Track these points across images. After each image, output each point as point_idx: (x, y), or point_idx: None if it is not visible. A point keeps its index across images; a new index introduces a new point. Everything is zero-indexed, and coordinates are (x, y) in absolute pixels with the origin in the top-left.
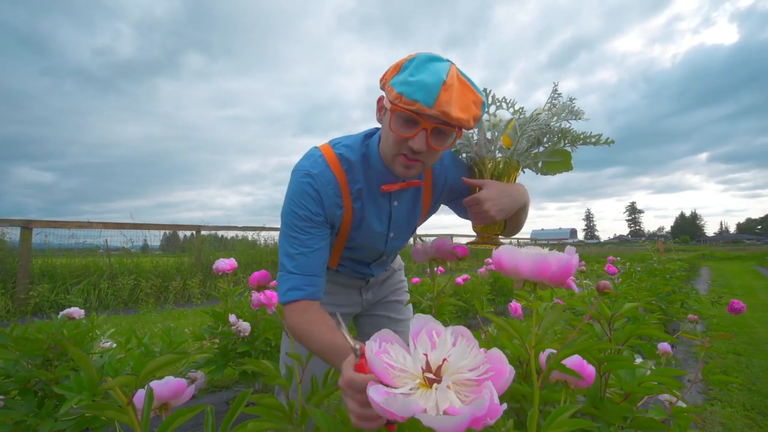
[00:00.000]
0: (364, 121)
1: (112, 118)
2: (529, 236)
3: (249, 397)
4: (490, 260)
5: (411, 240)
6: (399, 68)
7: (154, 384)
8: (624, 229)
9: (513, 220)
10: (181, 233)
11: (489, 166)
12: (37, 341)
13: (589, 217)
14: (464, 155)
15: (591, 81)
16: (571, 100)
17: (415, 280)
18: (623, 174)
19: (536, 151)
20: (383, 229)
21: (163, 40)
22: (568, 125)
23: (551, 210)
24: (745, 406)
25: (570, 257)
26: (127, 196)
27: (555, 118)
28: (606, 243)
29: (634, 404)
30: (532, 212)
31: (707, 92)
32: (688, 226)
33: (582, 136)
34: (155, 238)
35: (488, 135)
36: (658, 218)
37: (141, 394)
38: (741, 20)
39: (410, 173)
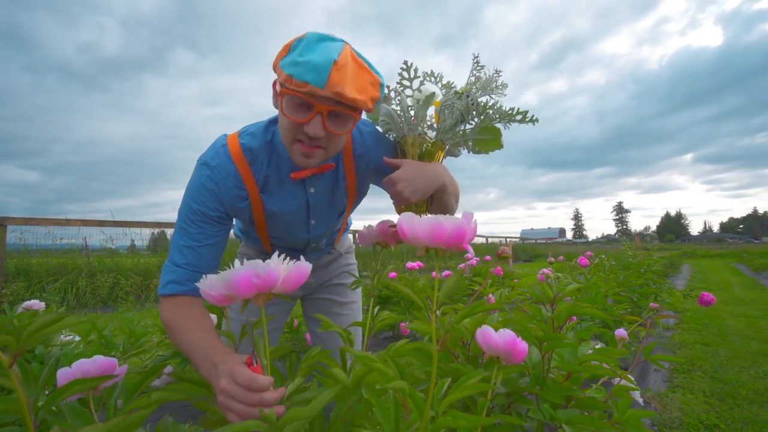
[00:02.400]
0: None
1: (97, 115)
2: (518, 236)
3: (180, 374)
4: (469, 255)
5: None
6: (288, 49)
7: (81, 362)
8: (612, 229)
9: (438, 203)
10: (169, 232)
11: (411, 144)
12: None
13: (577, 217)
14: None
15: (580, 82)
16: (497, 72)
17: (392, 274)
18: (611, 174)
19: (464, 128)
20: (302, 218)
21: (151, 36)
22: (496, 101)
23: (541, 210)
24: (705, 393)
25: (464, 221)
26: (114, 195)
27: (480, 92)
28: (594, 242)
29: (578, 384)
30: (522, 212)
31: (693, 94)
32: (673, 226)
33: (510, 113)
34: (144, 239)
35: (411, 112)
36: (645, 218)
37: (68, 372)
38: (726, 23)
39: (311, 162)
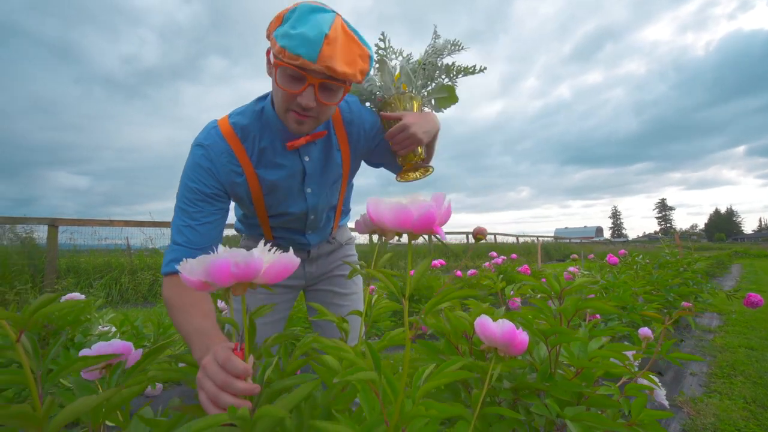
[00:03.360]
0: None
1: (138, 122)
2: (552, 235)
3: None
4: (493, 254)
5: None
6: (281, 19)
7: (100, 344)
8: (654, 227)
9: (429, 147)
10: None
11: (399, 101)
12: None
13: (615, 215)
14: (373, 99)
15: (617, 73)
16: (455, 42)
17: None
18: (652, 170)
19: (428, 89)
20: (298, 185)
21: (186, 45)
22: (452, 61)
23: (576, 208)
24: (745, 399)
25: (431, 204)
26: (154, 198)
27: (438, 56)
28: (634, 241)
29: (589, 381)
30: (555, 210)
31: (745, 81)
32: (723, 224)
33: (458, 69)
34: None
35: (389, 79)
36: (692, 215)
37: (88, 352)
38: None
39: (303, 128)
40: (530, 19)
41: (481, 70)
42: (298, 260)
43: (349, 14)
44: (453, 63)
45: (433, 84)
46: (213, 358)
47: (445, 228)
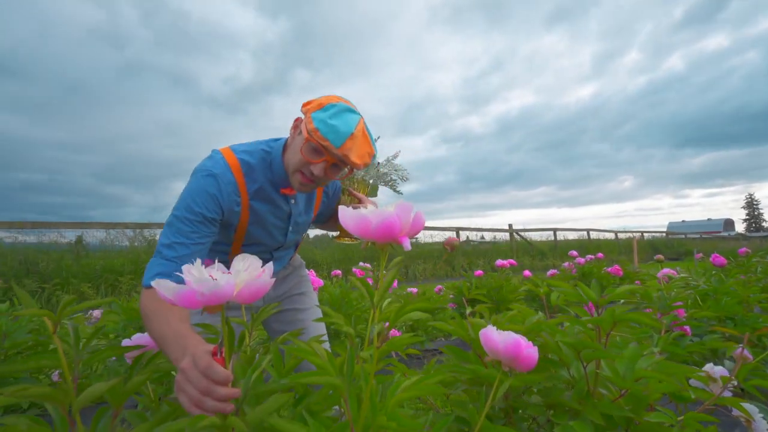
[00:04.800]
0: (461, 114)
1: (238, 135)
2: (664, 229)
3: None
4: (573, 253)
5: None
6: (322, 106)
7: (138, 335)
8: None
9: None
10: None
11: (360, 184)
12: (137, 310)
13: (752, 205)
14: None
15: (749, 33)
16: (403, 170)
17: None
18: None
19: (373, 181)
20: (283, 224)
21: (275, 61)
22: (393, 177)
23: (695, 198)
24: None
25: (390, 214)
26: None
27: (393, 172)
28: None
29: (637, 404)
30: (668, 201)
31: None
32: None
33: (392, 183)
34: None
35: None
36: None
37: (127, 342)
38: None
39: (304, 189)
40: None
41: (399, 193)
42: (271, 281)
43: (424, 11)
44: (395, 180)
45: (376, 181)
46: (193, 364)
47: (529, 223)
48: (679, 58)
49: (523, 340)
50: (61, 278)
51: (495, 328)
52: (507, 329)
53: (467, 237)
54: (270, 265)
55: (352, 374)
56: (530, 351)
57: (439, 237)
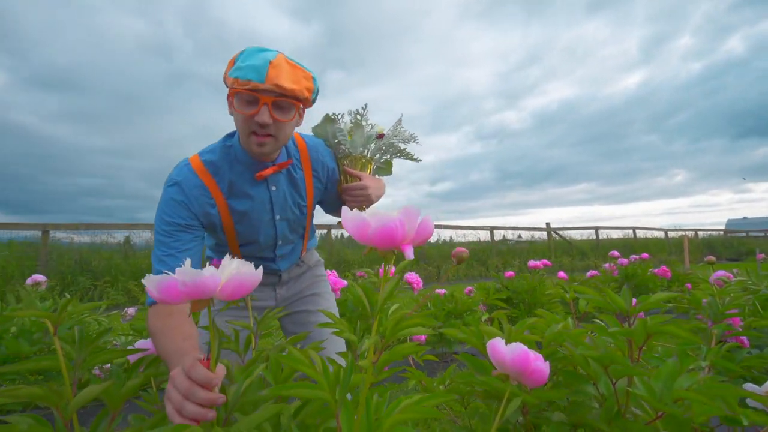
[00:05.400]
0: (496, 110)
1: None
2: (722, 227)
3: None
4: (615, 254)
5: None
6: (233, 61)
7: (140, 342)
8: None
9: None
10: (318, 232)
11: (360, 161)
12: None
13: None
14: (342, 148)
15: None
16: (412, 135)
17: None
18: None
19: (379, 156)
20: (268, 214)
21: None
22: (404, 147)
23: (759, 192)
24: None
25: (391, 220)
26: None
27: (395, 138)
28: None
29: (678, 429)
30: (727, 196)
31: None
32: None
33: (405, 153)
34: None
35: (360, 140)
36: None
37: (138, 343)
38: None
39: (265, 149)
40: None
41: (417, 160)
42: (258, 276)
43: (455, 6)
44: (404, 148)
45: (385, 155)
46: (181, 369)
47: (569, 222)
48: (738, 40)
49: (531, 353)
50: (111, 276)
51: (504, 338)
52: (525, 339)
53: (503, 236)
54: (260, 269)
55: (346, 387)
56: (539, 365)
57: (472, 236)
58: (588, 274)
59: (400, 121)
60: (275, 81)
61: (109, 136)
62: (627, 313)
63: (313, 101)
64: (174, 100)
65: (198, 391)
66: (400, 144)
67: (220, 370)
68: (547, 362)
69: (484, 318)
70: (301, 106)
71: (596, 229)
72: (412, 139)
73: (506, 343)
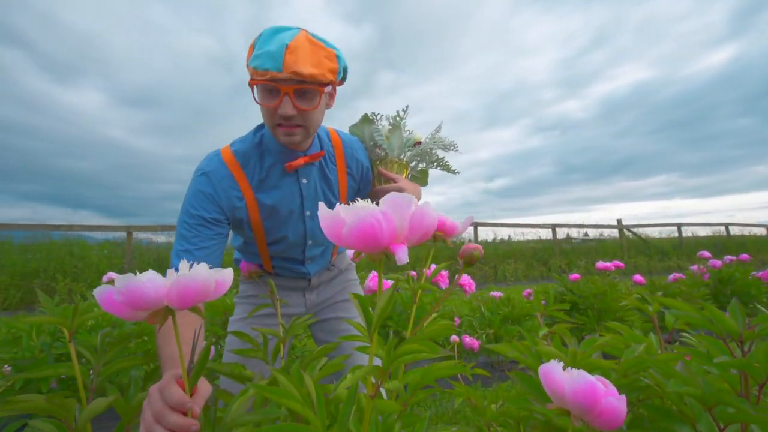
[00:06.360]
0: (557, 100)
1: None
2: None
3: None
4: (705, 252)
5: None
6: (252, 48)
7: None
8: None
9: None
10: None
11: (395, 165)
12: (217, 306)
13: None
14: (377, 151)
15: None
16: (452, 143)
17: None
18: None
19: (415, 163)
20: (298, 209)
21: (361, 67)
22: (442, 155)
23: None
24: None
25: (371, 215)
26: None
27: (433, 145)
28: None
29: None
30: None
31: None
32: None
33: (442, 163)
34: None
35: (397, 143)
36: None
37: None
38: None
39: (294, 139)
40: None
41: (455, 172)
42: (213, 277)
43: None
44: (443, 158)
45: (421, 164)
46: (158, 386)
47: (644, 218)
48: None
49: (600, 386)
50: None
51: (567, 360)
52: (595, 364)
53: (566, 234)
54: (229, 271)
55: (345, 425)
56: (612, 403)
57: (532, 234)
58: (670, 277)
59: (439, 128)
60: (293, 68)
61: (185, 144)
62: (739, 338)
63: (343, 80)
64: (236, 107)
65: (169, 415)
66: (438, 152)
67: (203, 390)
68: (623, 396)
69: (542, 333)
70: (327, 89)
71: (679, 225)
72: (452, 146)
73: (569, 368)
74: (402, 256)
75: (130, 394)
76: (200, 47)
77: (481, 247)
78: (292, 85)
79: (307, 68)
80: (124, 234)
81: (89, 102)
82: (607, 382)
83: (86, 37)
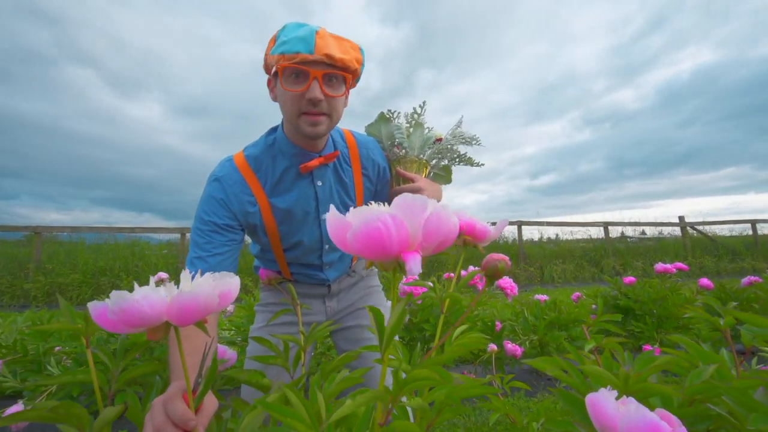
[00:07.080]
0: (609, 90)
1: None
2: None
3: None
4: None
5: None
6: (273, 40)
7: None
8: None
9: None
10: None
11: (414, 165)
12: (245, 308)
13: None
14: (396, 151)
15: None
16: (474, 137)
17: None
18: None
19: (436, 161)
20: (312, 211)
21: (401, 66)
22: (464, 151)
23: None
24: None
25: (378, 219)
26: None
27: (454, 140)
28: None
29: None
30: None
31: None
32: None
33: (465, 158)
34: None
35: (418, 141)
36: None
37: None
38: None
39: (319, 129)
40: None
41: (478, 165)
42: (216, 291)
43: None
44: (465, 153)
45: (443, 161)
46: (162, 398)
47: (711, 214)
48: None
49: (666, 428)
50: None
51: (619, 383)
52: (653, 389)
53: (621, 232)
54: (236, 279)
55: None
56: None
57: (582, 233)
58: (744, 280)
59: (460, 122)
60: (325, 50)
61: (235, 148)
62: None
63: (357, 80)
64: (276, 111)
65: (166, 429)
66: (459, 148)
67: (209, 406)
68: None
69: (587, 347)
70: (351, 80)
71: (753, 222)
72: (475, 140)
73: (622, 395)
74: (413, 266)
75: (151, 399)
76: (247, 56)
77: (507, 257)
78: (321, 69)
79: (337, 53)
80: (178, 236)
81: (150, 113)
82: (672, 417)
83: (148, 53)
